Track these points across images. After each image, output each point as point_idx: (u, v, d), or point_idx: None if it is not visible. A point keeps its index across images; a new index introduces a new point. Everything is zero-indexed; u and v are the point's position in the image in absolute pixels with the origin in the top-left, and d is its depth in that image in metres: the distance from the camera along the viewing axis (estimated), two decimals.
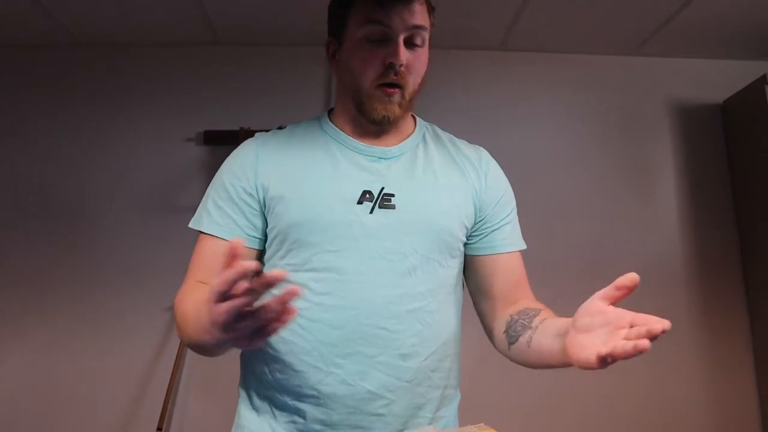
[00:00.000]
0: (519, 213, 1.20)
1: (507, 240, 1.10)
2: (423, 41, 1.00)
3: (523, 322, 0.99)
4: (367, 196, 0.98)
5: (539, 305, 1.03)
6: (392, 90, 0.98)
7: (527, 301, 1.06)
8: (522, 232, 1.18)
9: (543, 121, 2.50)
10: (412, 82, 1.00)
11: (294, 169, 1.00)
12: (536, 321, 0.97)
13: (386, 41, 0.96)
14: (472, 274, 1.10)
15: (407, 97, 1.00)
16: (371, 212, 0.97)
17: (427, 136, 1.11)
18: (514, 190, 1.20)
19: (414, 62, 0.99)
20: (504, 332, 1.02)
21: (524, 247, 1.14)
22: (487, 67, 2.52)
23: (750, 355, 2.39)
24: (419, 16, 0.97)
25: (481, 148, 1.16)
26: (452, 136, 1.15)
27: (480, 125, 2.43)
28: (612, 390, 2.31)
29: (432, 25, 1.03)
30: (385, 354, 0.95)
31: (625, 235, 2.44)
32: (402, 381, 0.96)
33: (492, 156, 1.19)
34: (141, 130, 2.34)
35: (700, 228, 2.48)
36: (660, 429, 2.30)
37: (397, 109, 0.99)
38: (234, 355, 1.08)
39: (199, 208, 1.04)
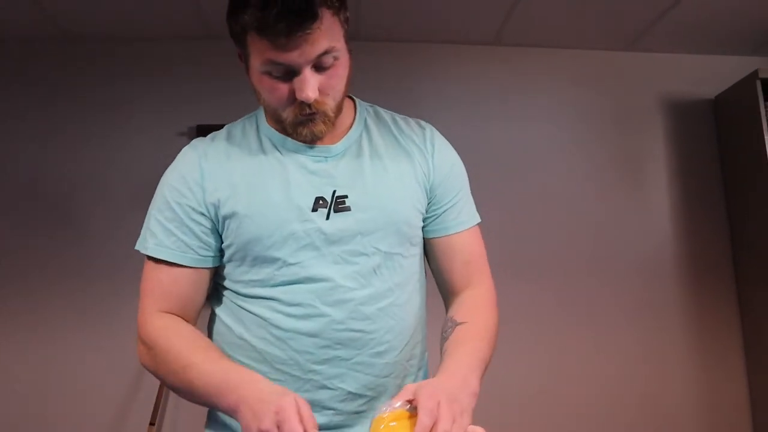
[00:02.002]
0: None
1: (458, 219, 1.06)
2: (335, 58, 0.90)
3: (444, 335, 0.99)
4: (321, 202, 0.95)
5: (459, 311, 1.02)
6: (312, 114, 0.92)
7: (460, 299, 1.05)
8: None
9: (536, 115, 2.50)
10: (332, 98, 0.93)
11: (243, 181, 0.96)
12: (444, 345, 0.97)
13: (291, 74, 0.88)
14: (429, 258, 1.09)
15: (331, 113, 0.94)
16: (327, 218, 0.95)
17: (369, 121, 1.06)
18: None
19: (328, 82, 0.91)
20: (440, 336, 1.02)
21: (477, 221, 1.09)
22: (480, 62, 2.52)
23: (741, 349, 2.41)
24: (323, 40, 0.86)
25: (426, 124, 1.11)
26: (395, 114, 1.10)
27: (473, 120, 2.43)
28: (603, 385, 2.33)
29: (345, 24, 0.92)
30: (361, 354, 0.95)
31: (617, 230, 2.45)
32: (380, 378, 0.96)
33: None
34: (133, 124, 2.33)
35: (692, 222, 2.49)
36: (651, 423, 2.32)
37: (323, 128, 0.94)
38: None
39: (143, 229, 0.99)
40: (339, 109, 0.96)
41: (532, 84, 2.53)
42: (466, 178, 1.11)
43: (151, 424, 2.02)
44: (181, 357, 0.89)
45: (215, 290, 1.03)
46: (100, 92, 2.34)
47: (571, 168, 2.48)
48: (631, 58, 2.58)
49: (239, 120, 1.07)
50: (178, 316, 0.96)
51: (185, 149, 1.03)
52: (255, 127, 1.03)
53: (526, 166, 2.44)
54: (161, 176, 1.04)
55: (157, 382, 2.08)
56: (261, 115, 1.04)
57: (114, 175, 2.28)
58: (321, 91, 0.90)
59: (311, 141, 0.97)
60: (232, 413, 0.83)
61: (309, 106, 0.90)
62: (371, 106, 1.10)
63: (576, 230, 2.43)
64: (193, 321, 0.99)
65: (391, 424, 0.77)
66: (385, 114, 1.10)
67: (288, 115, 0.93)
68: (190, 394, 0.89)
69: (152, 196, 1.02)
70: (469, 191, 1.11)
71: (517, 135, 2.47)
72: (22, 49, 2.34)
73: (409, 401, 0.79)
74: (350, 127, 1.03)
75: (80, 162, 2.29)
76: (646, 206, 2.49)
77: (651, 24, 2.35)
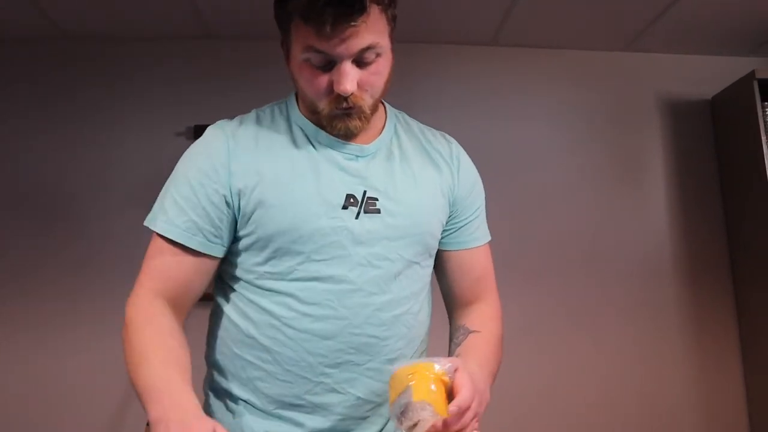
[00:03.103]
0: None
1: (474, 234, 1.08)
2: (378, 54, 0.89)
3: (456, 341, 1.01)
4: (351, 200, 0.93)
5: (472, 321, 1.03)
6: (349, 109, 0.90)
7: (470, 310, 1.06)
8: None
9: (533, 116, 2.51)
10: (370, 95, 0.91)
11: (272, 170, 0.92)
12: (457, 350, 0.99)
13: (331, 64, 0.87)
14: (439, 269, 1.10)
15: (368, 110, 0.92)
16: (357, 218, 0.93)
17: (399, 128, 1.06)
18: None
19: (368, 78, 0.89)
20: (449, 342, 1.04)
21: (489, 239, 1.11)
22: (478, 63, 2.52)
23: (737, 349, 2.41)
24: (367, 35, 0.85)
25: (452, 138, 1.11)
26: (421, 125, 1.11)
27: (470, 120, 2.44)
28: (601, 385, 2.33)
29: (392, 21, 0.94)
30: (373, 361, 0.94)
31: (615, 230, 2.46)
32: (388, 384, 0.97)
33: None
34: (130, 124, 2.33)
35: (689, 222, 2.50)
36: (649, 423, 2.32)
37: (358, 123, 0.92)
38: None
39: (156, 204, 0.95)
40: (376, 106, 0.95)
41: (530, 84, 2.53)
42: (484, 197, 1.12)
43: (149, 424, 2.02)
44: (144, 350, 0.86)
45: (222, 284, 1.00)
46: (99, 92, 2.34)
47: (569, 167, 2.48)
48: (628, 58, 2.59)
49: (266, 106, 1.04)
50: (174, 301, 0.92)
51: (211, 129, 0.98)
52: (285, 115, 1.00)
53: (524, 165, 2.44)
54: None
55: None
56: (292, 103, 1.01)
57: (112, 174, 2.28)
58: (360, 86, 0.89)
59: (345, 136, 0.95)
60: (153, 425, 0.79)
61: (346, 99, 0.88)
62: (399, 112, 1.10)
63: (573, 230, 2.43)
64: (186, 309, 0.95)
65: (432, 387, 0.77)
66: (412, 122, 1.10)
67: (324, 107, 0.91)
68: (135, 389, 0.85)
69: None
70: (485, 210, 1.12)
71: (515, 135, 2.47)
72: (22, 49, 2.33)
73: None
74: (381, 129, 1.02)
75: (78, 161, 2.29)
76: (643, 206, 2.50)
77: (648, 24, 2.36)
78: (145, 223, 0.94)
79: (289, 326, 0.91)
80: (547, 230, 2.41)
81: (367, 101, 0.91)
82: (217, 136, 0.96)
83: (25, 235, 2.24)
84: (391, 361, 0.94)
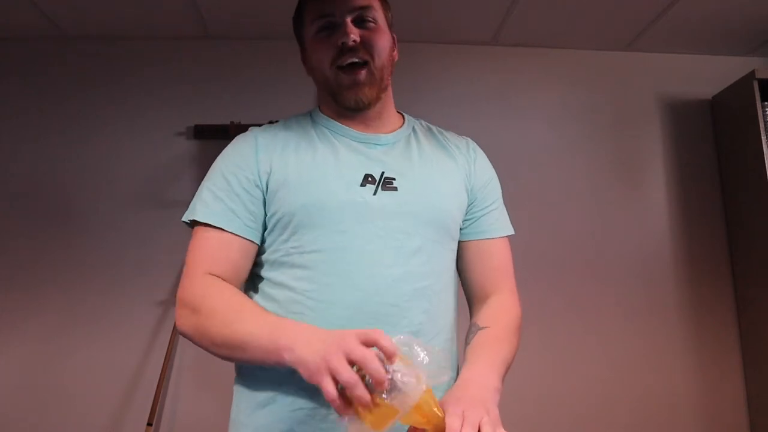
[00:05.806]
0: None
1: (494, 225, 1.13)
2: (375, 20, 1.03)
3: (467, 340, 1.03)
4: (369, 179, 0.99)
5: (482, 317, 1.05)
6: (357, 72, 1.00)
7: (486, 305, 1.08)
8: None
9: (533, 116, 2.51)
10: (377, 57, 1.01)
11: (295, 155, 1.00)
12: (467, 349, 1.01)
13: (335, 28, 1.00)
14: (459, 260, 1.12)
15: (376, 74, 1.02)
16: (374, 194, 0.98)
17: (417, 128, 1.14)
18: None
19: (371, 37, 1.01)
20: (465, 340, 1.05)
21: (512, 232, 1.16)
22: (478, 62, 2.52)
23: (738, 348, 2.41)
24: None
25: (467, 137, 1.20)
26: (440, 128, 1.19)
27: (470, 120, 2.44)
28: (601, 384, 2.33)
29: (387, 10, 1.08)
30: (395, 332, 0.93)
31: (615, 230, 2.46)
32: None
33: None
34: (130, 124, 2.32)
35: (689, 222, 2.50)
36: (649, 422, 2.32)
37: (367, 91, 1.01)
38: None
39: (193, 200, 1.02)
40: (382, 74, 1.03)
41: (530, 84, 2.53)
42: (501, 193, 1.18)
43: (149, 424, 2.02)
44: (229, 312, 0.89)
45: (250, 275, 1.03)
46: (99, 92, 2.34)
47: (568, 168, 2.48)
48: (628, 59, 2.59)
49: (292, 117, 1.13)
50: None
51: (242, 134, 1.08)
52: (309, 118, 1.11)
53: (524, 166, 2.45)
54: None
55: (155, 382, 2.08)
56: (316, 110, 1.12)
57: (112, 174, 2.28)
58: (363, 41, 0.99)
59: (356, 107, 1.02)
60: (288, 359, 0.81)
61: (351, 51, 0.98)
62: (418, 119, 1.19)
63: (572, 229, 2.43)
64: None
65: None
66: (431, 126, 1.19)
67: (331, 68, 1.00)
68: (240, 348, 0.87)
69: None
70: (503, 205, 1.17)
71: (512, 135, 2.47)
72: (22, 49, 2.33)
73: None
74: (400, 127, 1.11)
75: (78, 161, 2.29)
76: (643, 206, 2.50)
77: (648, 24, 2.36)
78: (184, 218, 1.01)
79: (312, 298, 0.94)
80: (547, 230, 2.41)
81: (375, 61, 1.01)
82: (244, 136, 1.06)
83: (25, 234, 2.23)
84: (414, 334, 0.95)
